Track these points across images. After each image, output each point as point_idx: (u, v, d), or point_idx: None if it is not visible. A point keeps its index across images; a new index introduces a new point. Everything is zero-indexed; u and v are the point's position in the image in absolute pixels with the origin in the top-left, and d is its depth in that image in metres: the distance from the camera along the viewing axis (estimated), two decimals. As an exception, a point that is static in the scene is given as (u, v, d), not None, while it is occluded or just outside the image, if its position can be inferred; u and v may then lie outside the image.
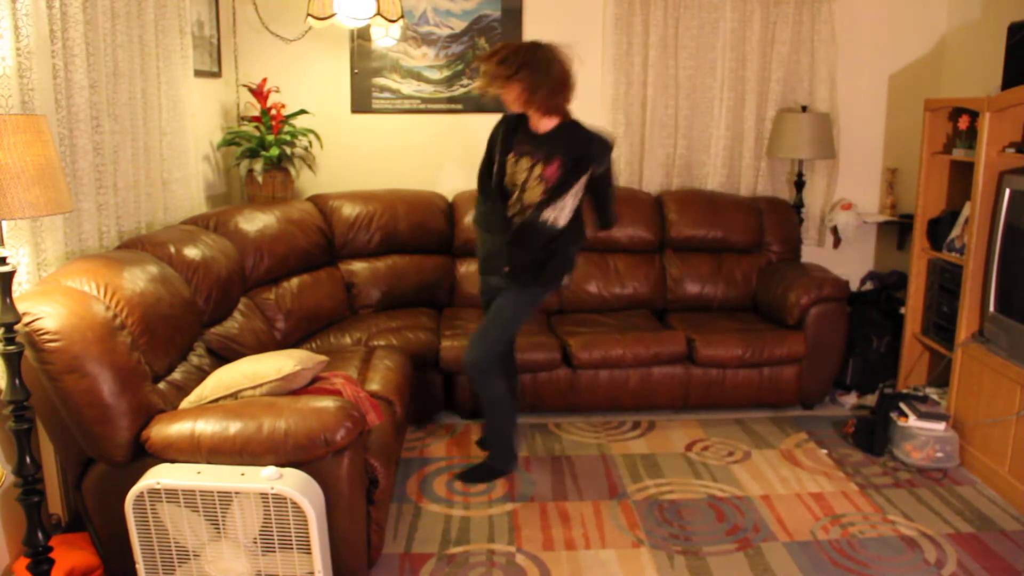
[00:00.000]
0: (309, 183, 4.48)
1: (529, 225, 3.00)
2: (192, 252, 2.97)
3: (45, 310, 2.17)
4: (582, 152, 2.95)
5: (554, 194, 2.96)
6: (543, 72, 2.89)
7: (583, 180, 2.98)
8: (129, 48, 3.03)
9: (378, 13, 3.69)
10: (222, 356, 3.00)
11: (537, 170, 2.98)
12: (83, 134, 2.68)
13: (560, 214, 2.98)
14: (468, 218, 4.28)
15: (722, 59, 4.45)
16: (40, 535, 2.20)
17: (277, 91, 4.21)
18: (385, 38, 4.34)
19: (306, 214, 3.96)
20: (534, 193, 2.99)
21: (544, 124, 3.00)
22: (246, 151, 4.04)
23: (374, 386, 3.03)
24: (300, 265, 3.81)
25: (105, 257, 2.57)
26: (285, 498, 2.15)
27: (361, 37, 4.39)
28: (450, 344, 3.71)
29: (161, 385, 2.55)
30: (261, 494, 2.15)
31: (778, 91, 4.47)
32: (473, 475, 3.26)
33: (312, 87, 4.43)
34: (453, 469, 3.36)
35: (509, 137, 3.05)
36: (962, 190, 3.74)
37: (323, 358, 2.72)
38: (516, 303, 3.13)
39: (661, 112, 4.49)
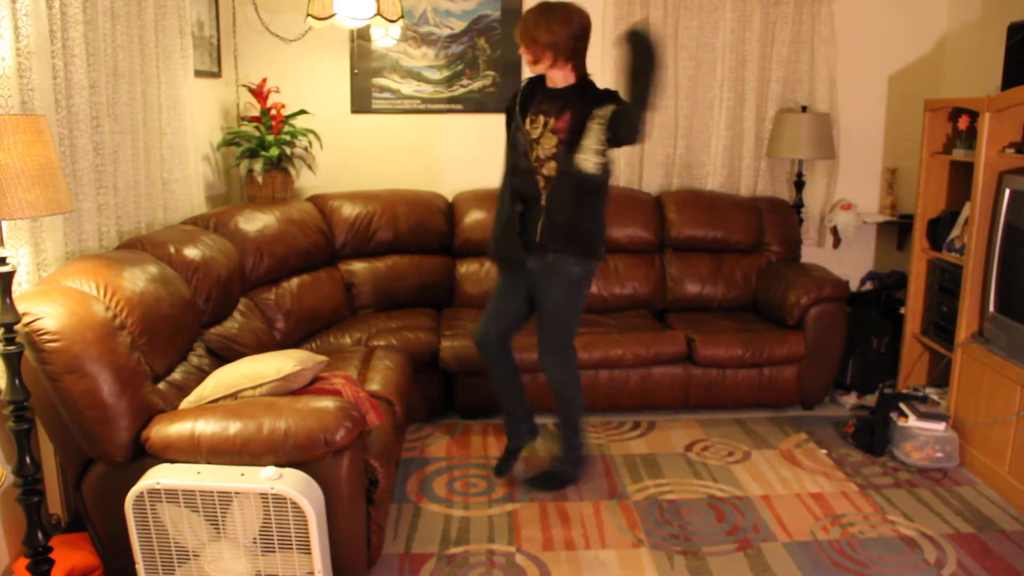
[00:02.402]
0: (309, 183, 4.48)
1: (559, 175, 2.92)
2: (192, 252, 2.97)
3: (45, 310, 2.17)
4: (592, 107, 2.90)
5: (571, 141, 2.91)
6: (563, 25, 2.87)
7: (595, 125, 2.88)
8: (129, 48, 3.03)
9: (378, 13, 3.69)
10: (222, 356, 3.00)
11: (550, 124, 2.95)
12: (83, 134, 2.68)
13: (586, 156, 2.89)
14: (468, 218, 4.29)
15: (722, 59, 4.45)
16: (40, 535, 2.20)
17: (277, 91, 4.21)
18: (385, 38, 4.33)
19: (306, 214, 3.96)
20: (547, 145, 2.95)
21: (559, 82, 2.97)
22: (246, 151, 4.04)
23: (374, 386, 3.03)
24: (300, 265, 3.81)
25: (105, 257, 2.57)
26: (285, 498, 2.15)
27: (361, 37, 4.39)
28: (450, 344, 3.71)
29: (161, 385, 2.55)
30: (261, 494, 2.15)
31: (778, 91, 4.48)
32: (541, 482, 3.24)
33: (312, 87, 4.43)
34: (453, 469, 3.37)
35: (527, 101, 3.02)
36: (962, 190, 3.74)
37: (323, 358, 2.72)
38: (559, 290, 3.03)
39: (661, 112, 4.48)
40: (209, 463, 2.25)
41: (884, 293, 4.49)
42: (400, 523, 2.95)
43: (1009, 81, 3.39)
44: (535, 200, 3.00)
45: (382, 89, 4.48)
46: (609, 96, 2.91)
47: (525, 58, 2.95)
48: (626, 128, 2.82)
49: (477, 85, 4.49)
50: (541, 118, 2.97)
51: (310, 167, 4.31)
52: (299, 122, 4.25)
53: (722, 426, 3.84)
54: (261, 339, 3.29)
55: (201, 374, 2.76)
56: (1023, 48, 3.34)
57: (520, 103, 3.03)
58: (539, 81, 3.03)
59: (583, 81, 2.98)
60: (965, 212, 3.60)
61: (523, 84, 3.08)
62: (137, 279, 2.53)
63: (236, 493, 2.16)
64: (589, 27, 2.94)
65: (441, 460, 3.46)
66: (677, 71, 4.46)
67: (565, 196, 2.94)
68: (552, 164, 2.95)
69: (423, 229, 4.25)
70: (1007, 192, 3.22)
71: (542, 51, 2.89)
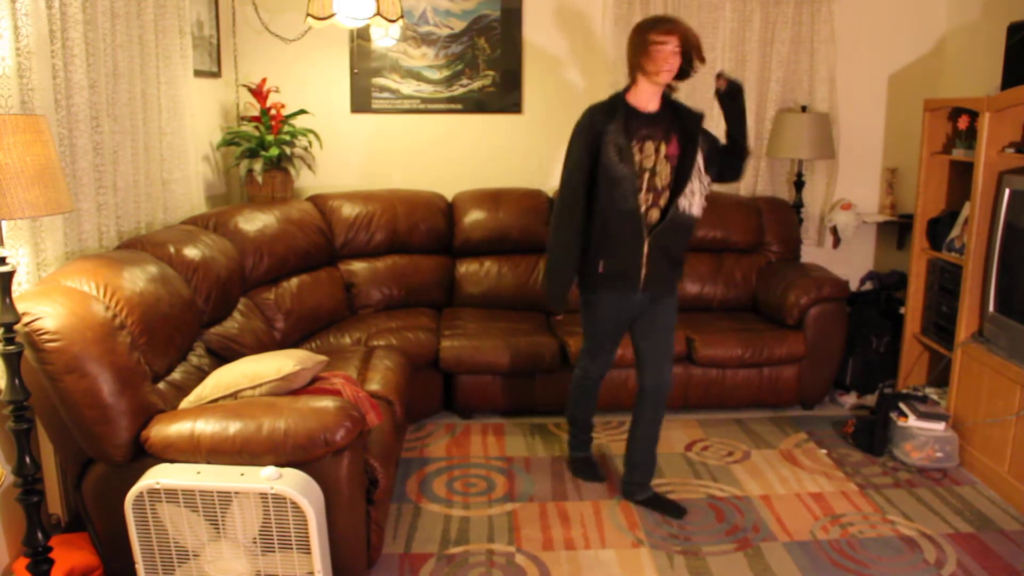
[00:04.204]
0: (309, 183, 4.48)
1: (672, 217, 2.78)
2: (192, 252, 2.97)
3: (45, 310, 2.17)
4: (693, 127, 2.82)
5: (681, 176, 2.79)
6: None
7: (699, 157, 2.80)
8: (129, 48, 3.03)
9: (378, 13, 3.69)
10: (222, 356, 3.00)
11: (662, 150, 2.79)
12: (83, 134, 2.69)
13: (692, 200, 2.79)
14: (468, 218, 4.29)
15: (722, 59, 4.44)
16: (40, 535, 2.20)
17: (277, 91, 4.21)
18: (385, 38, 4.33)
19: (306, 214, 3.96)
20: (664, 175, 2.80)
21: (655, 102, 2.83)
22: (246, 151, 4.04)
23: (374, 386, 3.03)
24: (300, 265, 3.81)
25: (105, 257, 2.57)
26: (285, 498, 2.15)
27: (361, 37, 4.39)
28: (450, 344, 3.71)
29: (161, 385, 2.55)
30: (261, 494, 2.15)
31: (778, 91, 4.47)
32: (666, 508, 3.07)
33: (312, 87, 4.43)
34: (453, 469, 3.37)
35: (621, 129, 2.75)
36: (962, 190, 3.74)
37: (323, 358, 2.72)
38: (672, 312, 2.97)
39: (661, 112, 4.48)
40: (209, 463, 2.25)
41: (884, 293, 4.50)
42: (400, 523, 2.95)
43: (1009, 81, 3.39)
44: (627, 243, 2.81)
45: (382, 89, 4.48)
46: (700, 116, 2.85)
47: (670, 71, 2.77)
48: (733, 173, 2.92)
49: (477, 85, 4.49)
50: (650, 144, 2.78)
51: (310, 167, 4.31)
52: (299, 122, 4.25)
53: (722, 426, 3.84)
54: (261, 339, 3.29)
55: (201, 374, 2.76)
56: (1023, 48, 3.35)
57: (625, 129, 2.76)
58: (612, 105, 2.82)
59: (670, 99, 2.88)
60: (965, 212, 3.60)
61: (598, 109, 2.83)
62: (137, 279, 2.53)
63: (236, 493, 2.16)
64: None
65: (441, 460, 3.46)
66: (677, 71, 4.45)
67: (674, 241, 2.86)
68: (663, 199, 2.81)
69: (423, 229, 4.25)
70: (1007, 192, 3.22)
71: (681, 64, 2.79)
